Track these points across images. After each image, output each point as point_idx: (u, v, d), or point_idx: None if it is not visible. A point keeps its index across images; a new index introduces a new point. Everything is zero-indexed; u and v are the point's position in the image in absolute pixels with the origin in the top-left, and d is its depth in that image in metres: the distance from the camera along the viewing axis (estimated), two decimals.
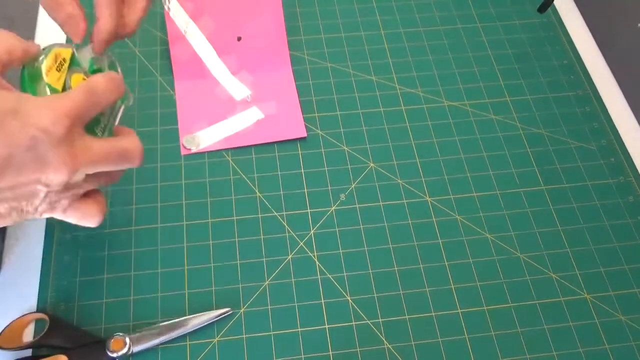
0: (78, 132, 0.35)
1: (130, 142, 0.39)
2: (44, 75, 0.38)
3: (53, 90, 0.38)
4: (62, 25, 0.44)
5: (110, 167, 0.38)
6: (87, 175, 0.37)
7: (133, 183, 0.59)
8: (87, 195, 0.40)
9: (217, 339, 0.52)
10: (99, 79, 0.38)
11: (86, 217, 0.39)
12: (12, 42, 0.37)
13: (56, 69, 0.39)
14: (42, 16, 0.69)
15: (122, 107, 0.43)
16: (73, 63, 0.41)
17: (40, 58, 0.39)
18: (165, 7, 0.67)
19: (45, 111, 0.33)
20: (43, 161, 0.33)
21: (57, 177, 0.34)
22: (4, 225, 0.36)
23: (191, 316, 0.52)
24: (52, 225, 0.56)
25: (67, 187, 0.36)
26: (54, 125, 0.33)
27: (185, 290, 0.54)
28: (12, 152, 0.32)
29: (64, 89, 0.39)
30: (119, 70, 0.46)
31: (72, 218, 0.39)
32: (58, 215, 0.38)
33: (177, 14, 0.67)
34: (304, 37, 0.71)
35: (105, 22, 0.44)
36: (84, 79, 0.41)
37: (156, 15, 0.71)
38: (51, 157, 0.33)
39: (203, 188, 0.59)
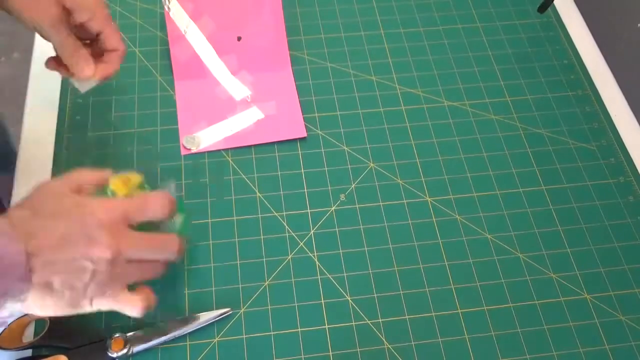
0: (124, 225, 0.42)
1: (170, 236, 0.45)
2: (110, 184, 0.46)
3: (114, 195, 0.46)
4: (70, 65, 0.51)
5: (151, 253, 0.44)
6: (132, 263, 0.43)
7: None
8: (135, 289, 0.45)
9: (217, 339, 0.52)
10: (155, 195, 0.45)
11: (130, 304, 0.43)
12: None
13: (122, 183, 0.46)
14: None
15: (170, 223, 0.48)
16: (140, 186, 0.47)
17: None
18: (165, 7, 0.67)
19: (101, 205, 0.42)
20: (92, 239, 0.40)
21: (102, 253, 0.40)
22: (59, 312, 0.41)
23: (191, 316, 0.52)
24: None
25: (113, 266, 0.41)
26: (104, 214, 0.42)
27: (185, 290, 0.54)
28: (70, 231, 0.40)
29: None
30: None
31: (118, 305, 0.43)
32: (106, 303, 0.43)
33: (177, 14, 0.67)
34: (304, 37, 0.71)
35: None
36: None
37: (156, 15, 0.71)
38: (98, 235, 0.41)
39: (203, 188, 0.59)
